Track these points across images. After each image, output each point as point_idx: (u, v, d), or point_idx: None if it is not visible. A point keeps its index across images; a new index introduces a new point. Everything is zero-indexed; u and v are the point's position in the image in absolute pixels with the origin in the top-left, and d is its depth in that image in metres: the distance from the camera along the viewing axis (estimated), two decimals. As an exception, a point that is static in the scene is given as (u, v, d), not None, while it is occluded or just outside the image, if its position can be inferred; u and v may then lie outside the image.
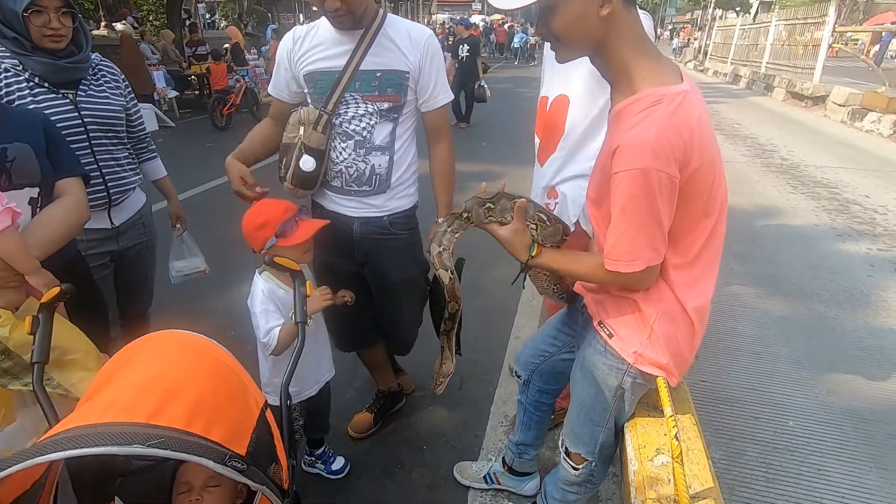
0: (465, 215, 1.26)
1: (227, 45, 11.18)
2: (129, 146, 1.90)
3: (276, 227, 1.43)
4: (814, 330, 2.84)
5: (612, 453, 1.40)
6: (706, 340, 2.76)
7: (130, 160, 1.89)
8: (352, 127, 1.62)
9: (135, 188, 1.91)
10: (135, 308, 2.06)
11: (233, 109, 8.72)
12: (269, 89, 1.74)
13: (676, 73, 1.05)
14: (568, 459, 1.44)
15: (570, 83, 1.74)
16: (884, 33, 18.17)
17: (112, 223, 1.82)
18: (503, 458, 1.88)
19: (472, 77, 8.44)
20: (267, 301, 1.49)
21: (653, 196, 0.98)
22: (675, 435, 1.01)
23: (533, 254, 1.18)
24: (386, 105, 1.61)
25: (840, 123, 8.71)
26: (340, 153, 1.65)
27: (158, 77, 9.56)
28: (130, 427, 0.69)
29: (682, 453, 1.01)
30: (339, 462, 1.93)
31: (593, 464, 1.40)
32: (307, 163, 1.61)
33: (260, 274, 1.54)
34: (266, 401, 1.01)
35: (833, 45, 11.28)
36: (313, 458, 1.91)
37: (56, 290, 1.02)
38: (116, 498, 1.07)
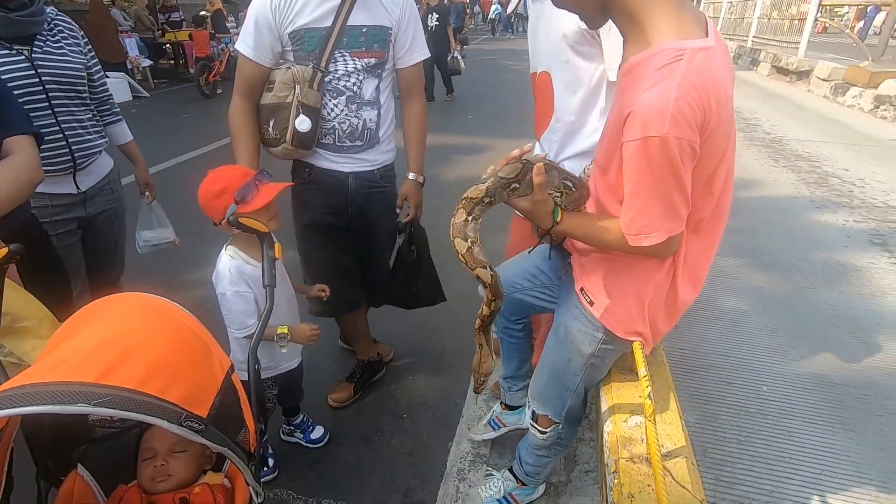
0: (486, 200, 1.06)
1: (203, 13, 10.73)
2: (92, 107, 1.80)
3: (236, 192, 1.36)
4: (790, 299, 2.89)
5: (580, 416, 1.40)
6: (687, 309, 2.81)
7: (94, 122, 1.80)
8: (342, 83, 1.64)
9: (101, 152, 1.83)
10: (106, 277, 2.00)
11: (217, 77, 8.46)
12: (247, 52, 1.60)
13: (701, 26, 0.93)
14: (535, 424, 1.45)
15: (551, 58, 1.63)
16: (869, 8, 18.16)
17: (78, 188, 1.74)
18: (501, 400, 1.94)
19: (443, 49, 7.91)
20: (238, 280, 1.42)
21: (674, 164, 0.90)
22: (649, 395, 1.01)
23: (557, 219, 1.09)
24: (373, 61, 1.65)
25: (823, 98, 8.75)
26: (332, 110, 1.66)
27: (131, 45, 9.18)
28: (77, 386, 0.66)
29: (654, 412, 1.01)
30: (318, 431, 1.93)
31: (560, 426, 1.41)
32: (303, 122, 1.60)
33: (226, 249, 1.48)
34: (232, 364, 0.98)
35: (819, 19, 11.24)
36: (291, 428, 1.90)
37: (3, 250, 0.97)
38: (80, 465, 1.05)
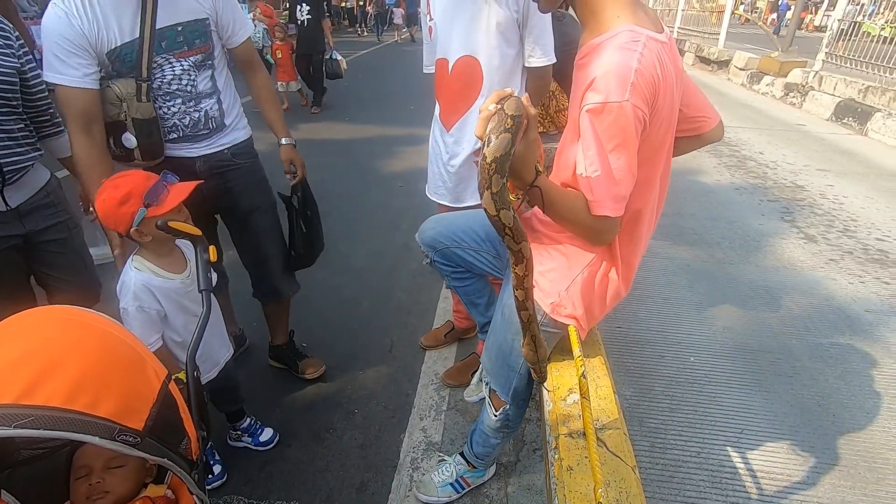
0: (511, 151, 0.89)
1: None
2: (25, 118, 1.61)
3: (143, 195, 1.27)
4: (713, 275, 3.12)
5: (526, 397, 1.47)
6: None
7: (27, 134, 1.61)
8: (174, 86, 1.60)
9: (33, 164, 1.63)
10: (81, 298, 1.78)
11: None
12: (69, 81, 1.43)
13: (656, 26, 1.02)
14: (491, 403, 1.50)
15: (476, 43, 1.74)
16: (781, 2, 19.60)
17: (7, 205, 1.56)
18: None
19: (318, 47, 6.84)
20: (142, 295, 1.35)
21: (631, 133, 0.95)
22: (583, 374, 1.08)
23: (541, 170, 1.02)
24: (200, 56, 1.63)
25: (741, 86, 9.40)
26: (168, 110, 1.63)
27: (37, 32, 8.39)
28: (-6, 409, 0.62)
29: (588, 390, 1.07)
30: (267, 433, 1.89)
31: (508, 407, 1.47)
32: (129, 140, 1.56)
33: (132, 260, 1.38)
34: (168, 373, 0.95)
35: (737, 13, 12.02)
36: (238, 433, 1.86)
37: None
38: (3, 492, 0.98)
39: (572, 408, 1.23)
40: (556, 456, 1.11)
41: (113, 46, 1.46)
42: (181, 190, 1.34)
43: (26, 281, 1.73)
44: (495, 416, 1.50)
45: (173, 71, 1.58)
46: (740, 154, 5.44)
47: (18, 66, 1.54)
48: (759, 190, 4.45)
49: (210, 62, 1.66)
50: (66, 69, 1.42)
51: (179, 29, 1.54)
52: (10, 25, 1.56)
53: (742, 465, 1.85)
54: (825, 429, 2.01)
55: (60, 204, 1.73)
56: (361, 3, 17.20)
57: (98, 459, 0.99)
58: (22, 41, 1.58)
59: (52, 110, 1.72)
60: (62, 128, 1.74)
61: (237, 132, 1.81)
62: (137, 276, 1.36)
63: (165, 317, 1.40)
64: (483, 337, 1.84)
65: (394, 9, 17.63)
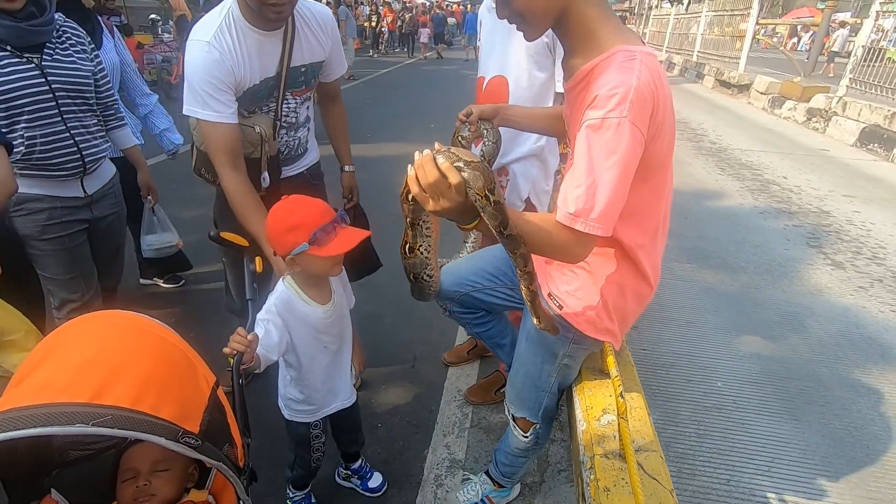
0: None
1: (153, 16, 10.36)
2: (97, 113, 1.82)
3: (312, 232, 1.21)
4: (738, 299, 3.09)
5: (554, 414, 1.47)
6: (645, 312, 2.93)
7: (100, 128, 1.82)
8: (284, 120, 1.68)
9: (106, 157, 1.87)
10: (107, 281, 2.04)
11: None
12: (217, 118, 1.43)
13: (637, 39, 1.06)
14: (517, 427, 1.50)
15: (508, 64, 1.80)
16: (799, 27, 19.60)
17: (85, 192, 1.78)
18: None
19: None
20: (276, 313, 1.30)
21: (628, 151, 0.95)
22: (620, 394, 1.08)
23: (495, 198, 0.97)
24: (309, 94, 1.73)
25: (762, 110, 9.36)
26: (279, 140, 1.71)
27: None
28: (72, 407, 0.65)
29: (626, 410, 1.08)
30: (376, 479, 1.80)
31: (539, 426, 1.47)
32: (265, 180, 1.64)
33: (283, 280, 1.36)
34: (217, 380, 0.98)
35: (758, 37, 12.04)
36: (348, 473, 1.81)
37: None
38: (53, 490, 1.01)
39: (607, 428, 1.23)
40: (592, 476, 1.11)
41: (251, 84, 1.51)
42: (349, 238, 1.26)
43: (93, 261, 1.90)
44: (525, 436, 1.49)
45: (288, 107, 1.66)
46: (763, 178, 5.40)
47: (92, 68, 1.74)
48: (784, 214, 4.40)
49: (310, 96, 1.76)
50: (220, 106, 1.43)
51: (303, 70, 1.62)
52: (83, 32, 1.75)
53: (774, 496, 1.81)
54: (858, 461, 1.95)
55: (118, 195, 1.96)
56: (374, 24, 17.53)
57: (145, 463, 1.02)
58: (93, 46, 1.78)
59: (117, 105, 1.94)
60: (125, 122, 2.00)
61: (312, 153, 1.90)
62: (284, 293, 1.33)
63: (291, 343, 1.36)
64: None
65: (420, 28, 18.34)
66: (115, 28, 2.53)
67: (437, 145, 0.93)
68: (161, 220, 2.17)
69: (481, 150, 1.52)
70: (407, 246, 1.23)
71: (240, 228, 1.41)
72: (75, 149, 1.69)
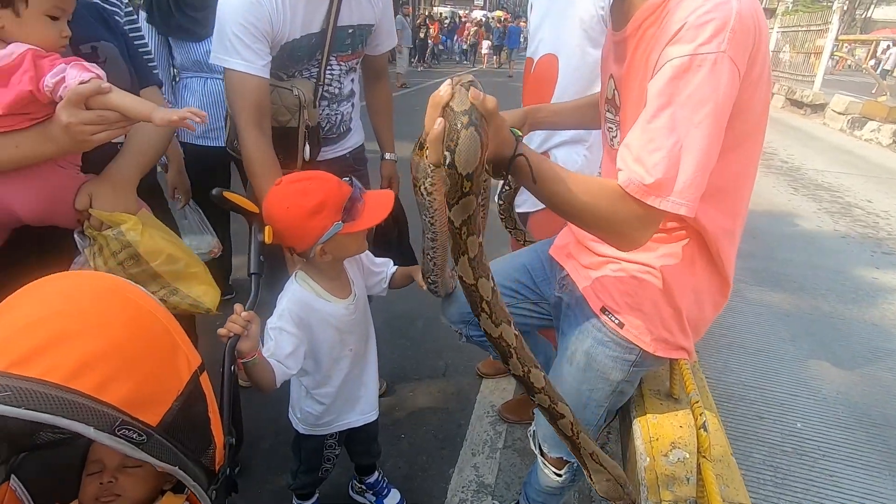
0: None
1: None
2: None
3: (342, 207, 1.04)
4: (819, 329, 2.70)
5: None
6: (707, 335, 2.59)
7: None
8: (326, 89, 1.50)
9: None
10: None
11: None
12: (248, 68, 1.26)
13: None
14: (548, 465, 1.24)
15: (560, 41, 1.62)
16: (879, 50, 18.29)
17: None
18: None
19: None
20: (290, 318, 1.11)
21: (724, 99, 0.73)
22: (703, 425, 0.83)
23: (520, 134, 0.79)
24: (354, 62, 1.55)
25: (839, 131, 8.65)
26: (320, 112, 1.53)
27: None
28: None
29: (710, 447, 0.83)
30: (393, 496, 1.61)
31: (575, 465, 1.20)
32: (307, 152, 1.46)
33: (296, 278, 1.18)
34: (202, 364, 0.81)
35: (837, 54, 11.24)
36: (363, 487, 1.62)
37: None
38: (13, 478, 0.87)
39: (677, 467, 0.97)
40: (658, 527, 0.86)
41: (291, 38, 1.33)
42: (379, 203, 1.11)
43: None
44: (559, 475, 1.23)
45: (332, 73, 1.48)
46: (843, 200, 4.89)
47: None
48: (871, 240, 3.92)
49: (356, 67, 1.59)
50: (250, 55, 1.26)
51: (350, 31, 1.44)
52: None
53: (874, 569, 1.47)
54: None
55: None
56: (423, 35, 17.67)
57: (114, 457, 0.85)
58: (130, 7, 1.59)
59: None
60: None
61: (357, 135, 1.73)
62: (298, 292, 1.15)
63: (312, 349, 1.18)
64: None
65: (483, 41, 19.36)
66: None
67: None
68: (192, 222, 1.79)
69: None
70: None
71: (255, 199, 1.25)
72: None
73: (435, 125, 0.68)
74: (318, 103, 1.47)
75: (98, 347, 0.63)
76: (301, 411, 1.30)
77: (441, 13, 23.75)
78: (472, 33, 19.91)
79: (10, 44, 0.87)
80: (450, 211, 0.72)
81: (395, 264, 1.44)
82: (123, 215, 1.04)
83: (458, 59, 20.67)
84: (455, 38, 21.27)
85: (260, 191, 1.29)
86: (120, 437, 0.53)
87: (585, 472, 0.92)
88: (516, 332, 0.84)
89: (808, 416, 2.05)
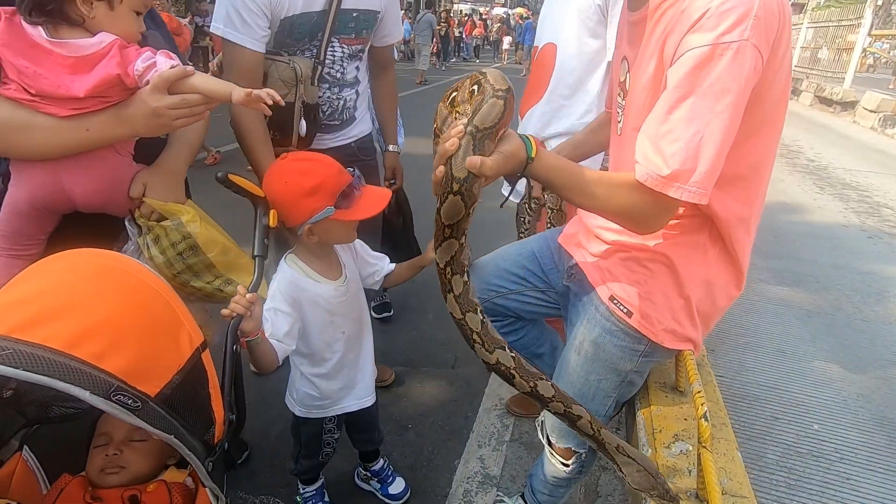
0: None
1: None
2: None
3: (337, 193, 1.07)
4: (841, 330, 2.62)
5: None
6: (724, 335, 2.54)
7: None
8: (327, 71, 1.51)
9: None
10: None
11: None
12: (242, 40, 1.32)
13: None
14: (555, 455, 1.23)
15: (559, 29, 1.62)
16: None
17: None
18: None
19: None
20: (283, 298, 1.14)
21: (744, 87, 0.73)
22: (704, 415, 0.82)
23: (532, 155, 0.82)
24: (359, 47, 1.55)
25: (870, 130, 8.36)
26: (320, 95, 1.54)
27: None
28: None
29: (710, 438, 0.81)
30: (398, 484, 1.61)
31: (584, 454, 1.20)
32: (303, 127, 1.46)
33: (286, 259, 1.21)
34: (205, 341, 0.83)
35: (869, 50, 10.86)
36: (368, 475, 1.63)
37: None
38: (25, 448, 0.90)
39: (679, 459, 0.96)
40: (659, 517, 0.85)
41: (290, 14, 1.35)
42: (376, 198, 1.14)
43: None
44: (567, 466, 1.23)
45: (333, 55, 1.49)
46: (872, 200, 4.73)
47: None
48: (900, 241, 3.78)
49: (361, 55, 1.60)
50: (247, 29, 1.31)
51: (354, 15, 1.46)
52: None
53: (890, 575, 1.42)
54: None
55: None
56: (444, 33, 17.66)
57: (119, 430, 0.88)
58: None
59: None
60: None
61: (363, 124, 1.72)
62: (287, 272, 1.18)
63: (304, 330, 1.20)
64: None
65: (504, 37, 19.61)
66: None
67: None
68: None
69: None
70: None
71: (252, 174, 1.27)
72: None
73: (437, 171, 0.78)
74: (317, 82, 1.47)
75: (98, 319, 0.66)
76: (297, 392, 1.32)
77: (461, 10, 23.70)
78: (494, 30, 20.09)
79: (95, 34, 0.90)
80: (434, 252, 0.85)
81: (402, 257, 1.46)
82: (179, 206, 1.06)
83: (465, 56, 20.55)
84: (463, 35, 21.22)
85: (257, 164, 1.35)
86: (115, 403, 0.54)
87: (616, 468, 0.92)
88: (513, 354, 0.89)
89: (825, 418, 2.00)
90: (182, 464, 0.94)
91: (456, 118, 0.88)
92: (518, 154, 0.80)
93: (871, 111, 8.62)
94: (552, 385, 0.89)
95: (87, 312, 0.64)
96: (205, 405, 0.79)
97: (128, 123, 0.92)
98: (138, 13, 0.96)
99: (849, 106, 9.52)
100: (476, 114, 0.76)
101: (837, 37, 11.31)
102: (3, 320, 0.56)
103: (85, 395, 0.53)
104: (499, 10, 26.84)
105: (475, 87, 0.83)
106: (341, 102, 1.59)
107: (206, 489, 0.73)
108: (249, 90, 0.93)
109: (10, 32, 0.85)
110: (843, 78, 10.14)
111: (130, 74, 0.90)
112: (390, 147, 1.85)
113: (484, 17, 24.82)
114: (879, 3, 10.91)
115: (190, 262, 1.04)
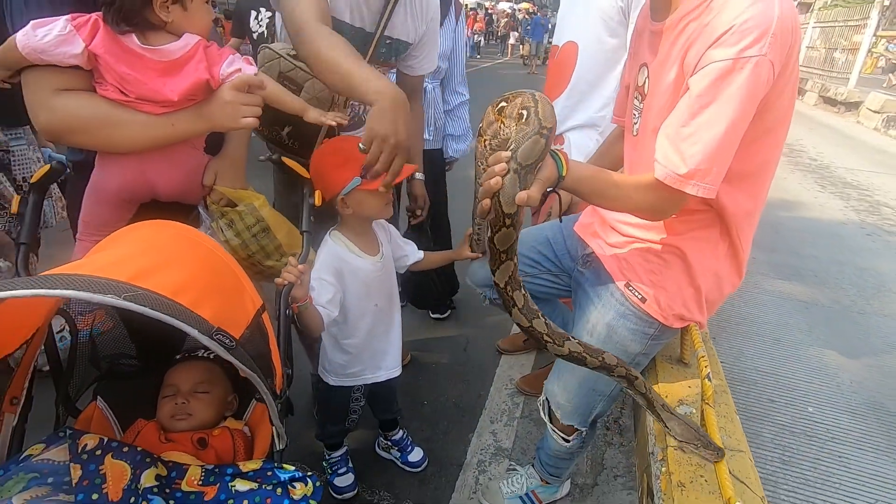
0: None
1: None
2: None
3: (362, 166, 1.13)
4: (837, 321, 2.72)
5: (604, 416, 1.30)
6: (724, 324, 2.63)
7: None
8: None
9: None
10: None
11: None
12: None
13: None
14: (556, 431, 1.34)
15: (581, 29, 1.69)
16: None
17: None
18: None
19: None
20: (328, 269, 1.25)
21: (757, 98, 0.82)
22: (707, 375, 0.92)
23: (563, 173, 0.90)
24: (385, 70, 1.53)
25: (874, 130, 8.42)
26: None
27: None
28: (108, 280, 0.61)
29: (712, 396, 0.91)
30: (417, 453, 1.72)
31: (584, 432, 1.31)
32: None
33: (330, 234, 1.32)
34: (264, 304, 0.93)
35: (874, 51, 10.88)
36: (389, 444, 1.74)
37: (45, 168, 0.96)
38: (99, 398, 1.01)
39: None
40: (664, 469, 0.95)
41: (340, 18, 1.30)
42: (400, 173, 1.19)
43: None
44: (568, 441, 1.34)
45: None
46: (873, 199, 4.82)
47: None
48: (898, 239, 3.88)
49: (387, 73, 1.55)
50: None
51: (388, 42, 1.44)
52: None
53: (876, 542, 1.53)
54: None
55: None
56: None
57: (187, 382, 0.99)
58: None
59: None
60: None
61: None
62: (333, 247, 1.29)
63: (343, 298, 1.31)
64: None
65: (511, 32, 19.76)
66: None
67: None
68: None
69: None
70: None
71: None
72: None
73: (483, 203, 0.87)
74: (345, 105, 1.41)
75: (187, 275, 0.76)
76: (330, 363, 1.42)
77: (466, 4, 23.69)
78: (502, 24, 20.17)
79: (180, 36, 0.97)
80: (494, 274, 0.96)
81: (432, 246, 1.55)
82: (249, 192, 1.14)
83: (468, 52, 20.62)
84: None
85: (335, 61, 1.09)
86: (216, 341, 0.64)
87: (662, 424, 0.99)
88: (577, 341, 0.99)
89: (820, 401, 2.10)
90: (238, 415, 1.05)
91: (500, 128, 0.96)
92: (553, 176, 0.89)
93: (875, 111, 8.68)
94: (614, 356, 0.99)
95: (181, 268, 0.75)
96: (267, 358, 0.89)
97: (205, 119, 1.00)
98: (207, 1, 1.02)
99: (853, 106, 9.57)
100: (520, 148, 0.84)
101: (843, 36, 11.35)
102: (121, 271, 0.66)
103: (194, 332, 0.63)
104: (504, 6, 26.78)
105: (524, 112, 0.89)
106: (362, 108, 1.55)
107: (273, 427, 0.83)
108: (324, 113, 1.02)
109: (109, 40, 0.91)
110: (848, 78, 10.18)
111: (216, 78, 0.98)
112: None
113: (489, 11, 24.76)
114: (886, 3, 10.92)
115: (262, 244, 1.13)
